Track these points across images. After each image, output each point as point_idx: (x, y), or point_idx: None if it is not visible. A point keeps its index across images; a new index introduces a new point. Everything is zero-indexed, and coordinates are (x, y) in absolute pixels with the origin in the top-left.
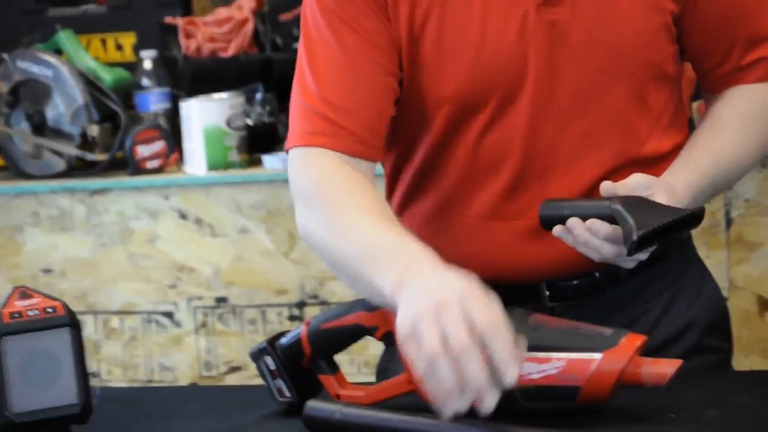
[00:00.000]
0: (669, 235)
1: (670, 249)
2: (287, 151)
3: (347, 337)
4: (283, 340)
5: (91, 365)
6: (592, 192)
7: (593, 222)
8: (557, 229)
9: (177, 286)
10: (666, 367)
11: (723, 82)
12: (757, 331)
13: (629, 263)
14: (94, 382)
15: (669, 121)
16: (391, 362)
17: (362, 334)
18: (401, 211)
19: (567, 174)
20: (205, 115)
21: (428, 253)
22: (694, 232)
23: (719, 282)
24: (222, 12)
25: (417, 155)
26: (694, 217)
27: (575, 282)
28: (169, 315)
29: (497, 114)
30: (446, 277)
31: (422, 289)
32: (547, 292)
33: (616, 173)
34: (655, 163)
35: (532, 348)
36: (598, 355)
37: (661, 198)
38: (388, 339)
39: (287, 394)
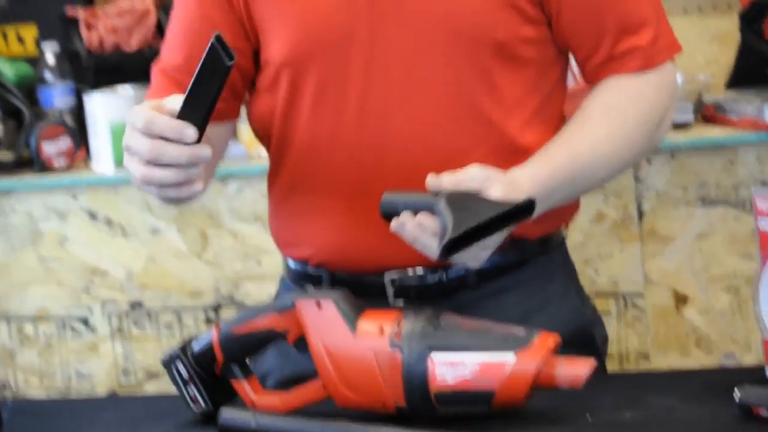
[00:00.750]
0: (494, 232)
1: (530, 256)
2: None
3: (259, 341)
4: (195, 346)
5: (7, 374)
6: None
7: (421, 216)
8: (393, 224)
9: (90, 290)
10: (581, 368)
11: (597, 73)
12: (674, 327)
13: (471, 262)
14: (9, 393)
15: (532, 113)
16: (306, 368)
17: (275, 338)
18: (268, 180)
19: (405, 153)
20: (111, 110)
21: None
22: (607, 225)
23: (633, 276)
24: (123, 3)
25: (274, 128)
26: (521, 210)
27: (419, 281)
28: (84, 320)
29: (326, 85)
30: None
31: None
32: (392, 289)
33: (465, 157)
34: (511, 154)
35: (444, 349)
36: (511, 356)
37: (497, 192)
38: (301, 344)
39: (201, 402)
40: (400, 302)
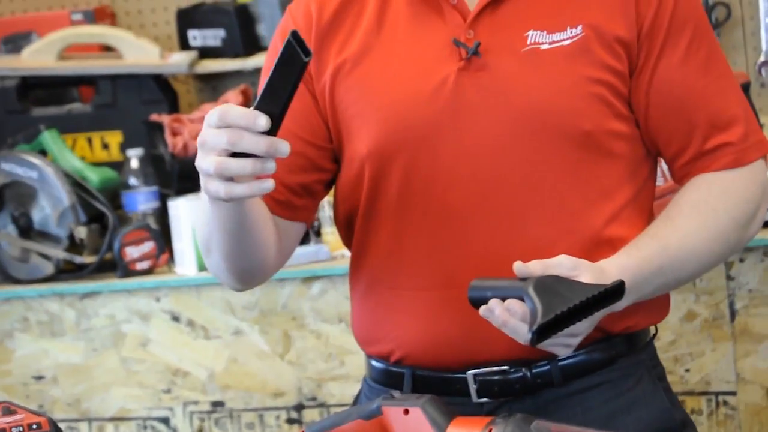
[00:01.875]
0: (584, 317)
1: (617, 354)
2: None
3: None
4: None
5: None
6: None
7: (510, 302)
8: (482, 309)
9: (171, 390)
10: None
11: (687, 170)
12: (767, 427)
13: (559, 349)
14: None
15: (620, 207)
16: None
17: None
18: (352, 285)
19: (489, 244)
20: (194, 214)
21: None
22: (698, 323)
23: (726, 375)
24: (208, 108)
25: (356, 225)
26: (611, 293)
27: (502, 375)
28: (164, 420)
29: (411, 179)
30: None
31: None
32: (475, 386)
33: (550, 247)
34: (596, 246)
35: None
36: None
37: (586, 279)
38: None
39: None
40: (483, 400)
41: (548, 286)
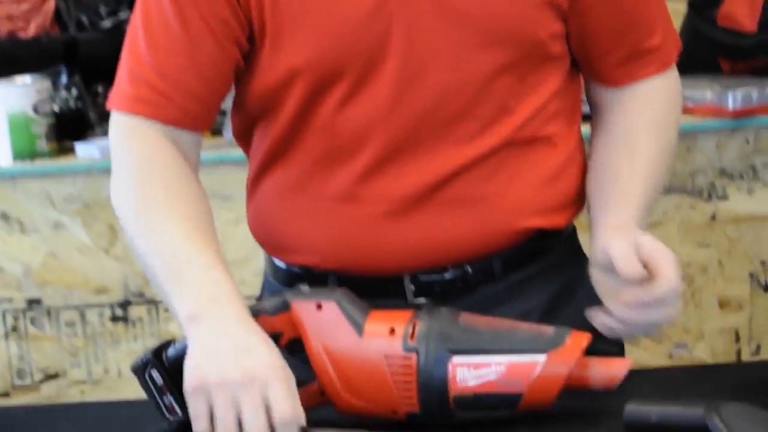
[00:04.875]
0: None
1: (551, 244)
2: (109, 110)
3: None
4: (171, 351)
5: None
6: (459, 173)
7: None
8: None
9: None
10: (616, 368)
11: (619, 72)
12: None
13: None
14: None
15: (556, 106)
16: (301, 372)
17: None
18: (255, 182)
19: (436, 153)
20: (9, 101)
21: (233, 288)
22: None
23: None
24: None
25: (274, 126)
26: None
27: (443, 275)
28: None
29: (356, 88)
30: (252, 343)
31: (222, 341)
32: (412, 287)
33: (490, 156)
34: (533, 145)
35: (467, 350)
36: (542, 357)
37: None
38: (294, 346)
39: (178, 411)
40: (421, 300)
41: (733, 415)
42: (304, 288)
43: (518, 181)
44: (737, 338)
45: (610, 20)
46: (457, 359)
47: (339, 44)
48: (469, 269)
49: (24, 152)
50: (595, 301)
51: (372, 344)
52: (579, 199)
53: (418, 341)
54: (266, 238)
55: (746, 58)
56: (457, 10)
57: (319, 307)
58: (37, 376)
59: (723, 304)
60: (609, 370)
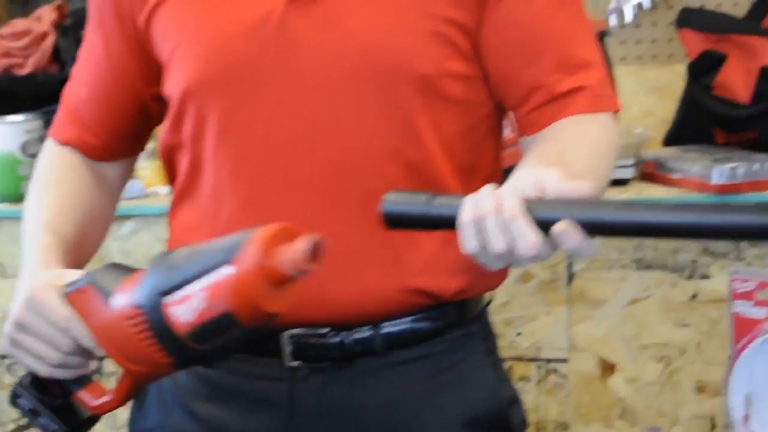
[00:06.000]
0: None
1: (446, 326)
2: None
3: None
4: (27, 376)
5: None
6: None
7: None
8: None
9: None
10: (298, 246)
11: (537, 117)
12: (598, 397)
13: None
14: None
15: (461, 160)
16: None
17: None
18: (171, 214)
19: (312, 196)
20: None
21: (44, 260)
22: (534, 285)
23: (558, 342)
24: (19, 24)
25: (178, 165)
26: None
27: (322, 340)
28: None
29: (230, 120)
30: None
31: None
32: (290, 347)
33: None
34: None
35: (173, 288)
36: (229, 268)
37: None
38: None
39: (56, 427)
40: (296, 363)
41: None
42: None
43: (406, 239)
44: (713, 426)
45: (521, 62)
46: (166, 300)
47: (214, 67)
48: (349, 339)
49: (9, 194)
50: (486, 389)
51: (117, 311)
52: (473, 268)
53: (141, 293)
54: None
55: (739, 130)
56: (333, 39)
57: (81, 291)
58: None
59: (700, 389)
60: (294, 252)
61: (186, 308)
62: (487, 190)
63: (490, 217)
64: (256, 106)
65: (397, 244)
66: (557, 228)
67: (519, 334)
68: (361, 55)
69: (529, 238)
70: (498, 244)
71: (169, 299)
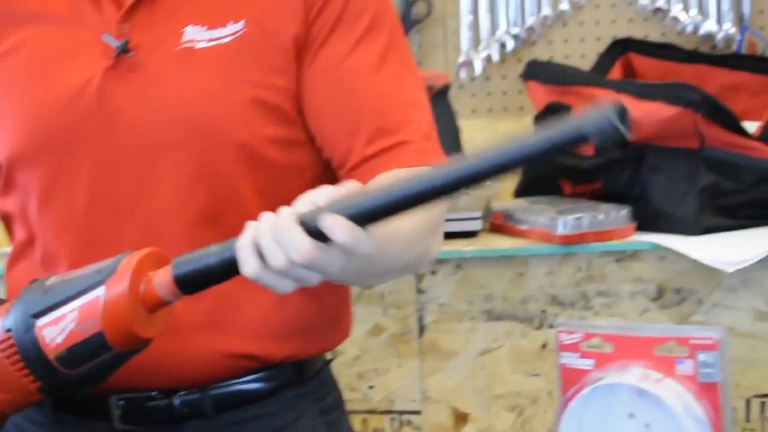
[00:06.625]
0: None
1: (281, 384)
2: None
3: None
4: None
5: None
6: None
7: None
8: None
9: None
10: (166, 272)
11: (363, 173)
12: None
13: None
14: None
15: None
16: None
17: None
18: (10, 271)
19: None
20: None
21: None
22: (385, 338)
23: (411, 394)
24: None
25: (14, 224)
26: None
27: (150, 403)
28: None
29: (51, 189)
30: None
31: None
32: (118, 411)
33: None
34: None
35: (47, 310)
36: (101, 289)
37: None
38: None
39: None
40: (126, 427)
41: None
42: None
43: (229, 304)
44: None
45: (337, 123)
46: (40, 321)
47: (35, 137)
48: (177, 402)
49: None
50: None
51: None
52: (305, 332)
53: (12, 317)
54: None
55: (585, 181)
56: (155, 108)
57: None
58: None
59: None
60: (164, 276)
61: (58, 329)
62: (266, 215)
63: (265, 234)
64: (76, 174)
65: (220, 310)
66: (324, 222)
67: (371, 387)
68: (177, 124)
69: (299, 243)
70: (275, 257)
71: (41, 321)
